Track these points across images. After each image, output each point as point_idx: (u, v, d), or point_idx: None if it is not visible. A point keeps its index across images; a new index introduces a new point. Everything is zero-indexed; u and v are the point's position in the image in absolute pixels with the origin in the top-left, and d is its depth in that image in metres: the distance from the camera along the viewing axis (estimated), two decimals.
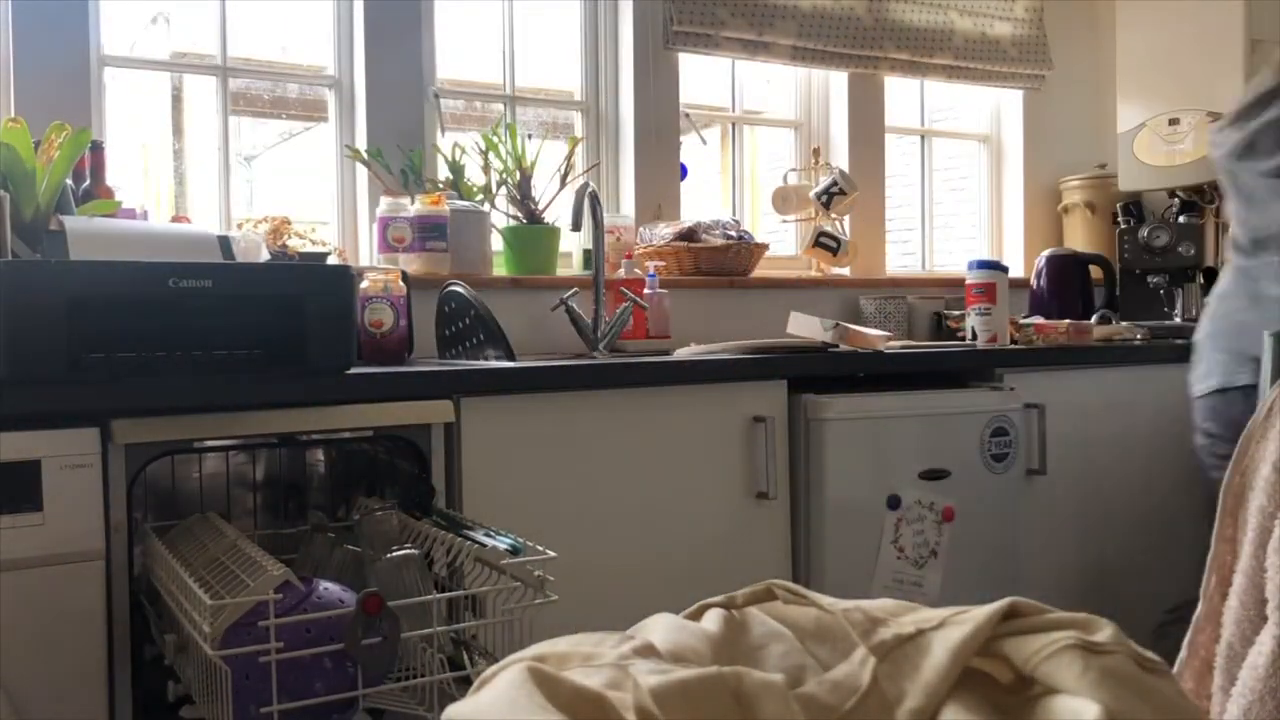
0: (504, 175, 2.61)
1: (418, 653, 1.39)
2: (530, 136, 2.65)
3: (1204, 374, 2.13)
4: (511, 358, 2.01)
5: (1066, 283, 3.11)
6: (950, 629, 0.67)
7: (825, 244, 3.03)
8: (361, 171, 2.59)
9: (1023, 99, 3.51)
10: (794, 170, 3.21)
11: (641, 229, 2.86)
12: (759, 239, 2.93)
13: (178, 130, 2.57)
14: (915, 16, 3.22)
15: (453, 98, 2.80)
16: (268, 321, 1.59)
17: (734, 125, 3.27)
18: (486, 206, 2.61)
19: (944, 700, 0.65)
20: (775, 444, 2.09)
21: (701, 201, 3.15)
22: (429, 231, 2.42)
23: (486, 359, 2.06)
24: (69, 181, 1.94)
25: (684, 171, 3.00)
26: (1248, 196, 2.06)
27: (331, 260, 2.38)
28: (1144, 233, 3.14)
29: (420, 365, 1.99)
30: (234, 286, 1.57)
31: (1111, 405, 2.60)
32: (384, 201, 2.44)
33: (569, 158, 2.69)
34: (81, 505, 1.46)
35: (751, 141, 3.46)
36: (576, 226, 2.47)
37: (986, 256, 3.11)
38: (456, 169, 2.58)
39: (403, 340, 2.11)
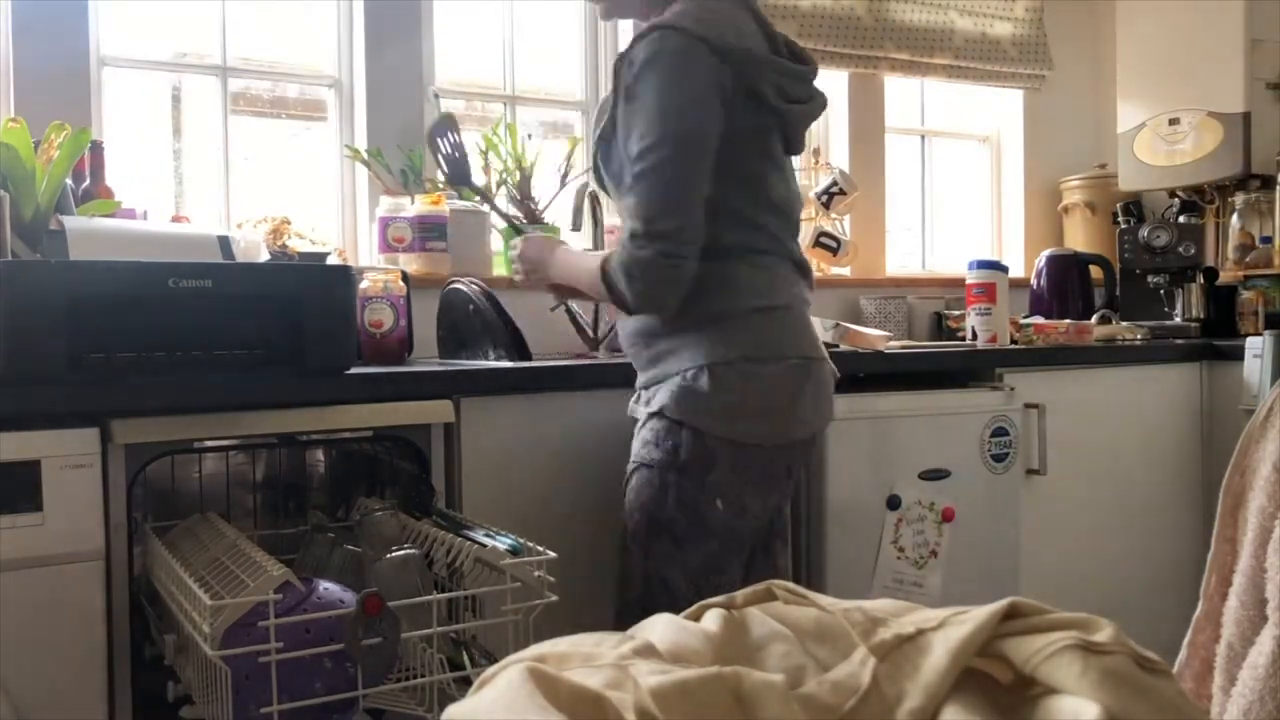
0: (504, 175, 2.61)
1: (418, 653, 1.39)
2: (530, 136, 2.65)
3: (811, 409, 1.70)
4: (520, 355, 2.01)
5: (1066, 283, 3.11)
6: (950, 629, 0.67)
7: (825, 244, 3.03)
8: (361, 171, 2.59)
9: (1023, 99, 3.51)
10: (794, 170, 3.21)
11: None
12: None
13: (178, 130, 2.57)
14: (915, 16, 3.22)
15: (453, 98, 2.80)
16: (268, 321, 1.59)
17: None
18: (486, 206, 2.61)
19: (944, 700, 0.65)
20: None
21: None
22: (429, 231, 2.42)
23: (487, 358, 2.06)
24: (69, 181, 1.94)
25: None
26: (777, 167, 1.71)
27: (331, 260, 2.38)
28: (1144, 233, 3.14)
29: (420, 365, 1.99)
30: (234, 286, 1.57)
31: (1111, 405, 2.60)
32: (384, 201, 2.44)
33: (569, 158, 2.68)
34: (81, 505, 1.46)
35: None
36: (576, 226, 2.47)
37: (986, 256, 3.11)
38: None
39: (403, 340, 2.11)
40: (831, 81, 3.25)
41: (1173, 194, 3.32)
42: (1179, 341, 2.87)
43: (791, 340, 1.60)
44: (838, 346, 2.27)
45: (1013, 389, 2.36)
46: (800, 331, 1.62)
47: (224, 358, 1.57)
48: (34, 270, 1.50)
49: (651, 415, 1.60)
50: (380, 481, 1.91)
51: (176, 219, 2.35)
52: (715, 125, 1.52)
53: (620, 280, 1.53)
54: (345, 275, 1.69)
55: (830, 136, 3.28)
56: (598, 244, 2.57)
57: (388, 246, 2.42)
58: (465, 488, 1.80)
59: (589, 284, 1.63)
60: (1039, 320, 2.77)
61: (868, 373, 2.25)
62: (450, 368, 1.92)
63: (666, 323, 1.59)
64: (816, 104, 1.69)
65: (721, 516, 1.57)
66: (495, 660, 0.95)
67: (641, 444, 1.62)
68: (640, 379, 1.67)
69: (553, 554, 1.37)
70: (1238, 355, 2.59)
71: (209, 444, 1.77)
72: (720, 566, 1.60)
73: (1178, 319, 3.12)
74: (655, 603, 1.57)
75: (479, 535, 1.47)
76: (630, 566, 1.64)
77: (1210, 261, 3.23)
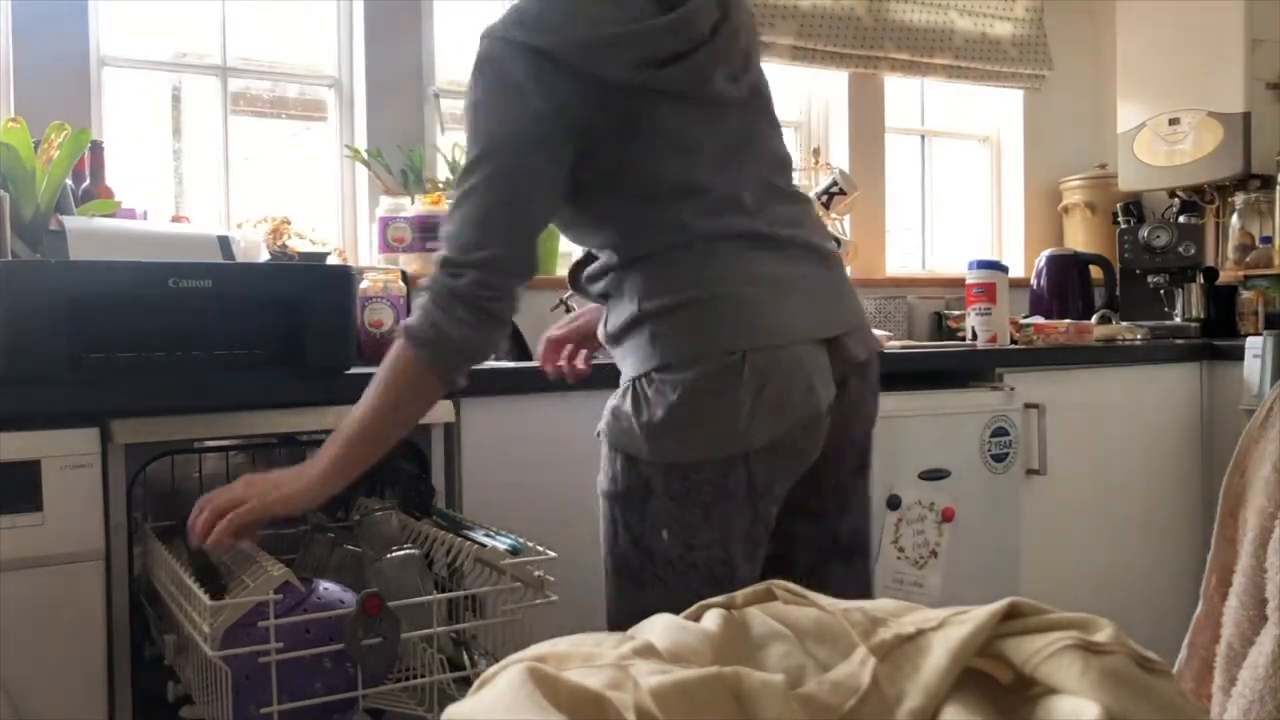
0: None
1: (418, 653, 1.39)
2: None
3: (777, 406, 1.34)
4: (520, 355, 2.01)
5: (1066, 283, 3.11)
6: (950, 629, 0.67)
7: None
8: (361, 171, 2.59)
9: (1023, 99, 3.51)
10: (794, 170, 3.21)
11: None
12: None
13: (178, 130, 2.57)
14: (915, 16, 3.22)
15: (453, 98, 2.80)
16: (268, 321, 1.59)
17: None
18: None
19: (944, 700, 0.65)
20: None
21: None
22: (429, 231, 2.42)
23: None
24: (69, 181, 1.94)
25: None
26: (704, 128, 1.37)
27: (331, 260, 2.38)
28: (1144, 233, 3.14)
29: None
30: (234, 286, 1.57)
31: (1111, 405, 2.60)
32: (384, 201, 2.44)
33: None
34: (81, 505, 1.46)
35: None
36: None
37: (986, 256, 3.11)
38: (456, 169, 2.58)
39: None
40: (832, 81, 3.26)
41: (1173, 194, 3.32)
42: (1179, 341, 2.87)
43: (721, 335, 1.32)
44: None
45: (1013, 389, 2.36)
46: (737, 321, 1.33)
47: (224, 358, 1.57)
48: (34, 270, 1.50)
49: (598, 437, 1.42)
50: (380, 481, 1.91)
51: (176, 219, 2.35)
52: (545, 136, 1.30)
53: (434, 320, 1.30)
54: (345, 275, 1.69)
55: (830, 136, 3.28)
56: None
57: (388, 246, 2.42)
58: (465, 488, 1.80)
59: (381, 395, 1.35)
60: (1039, 320, 2.77)
61: None
62: None
63: (612, 336, 1.42)
64: (723, 33, 1.35)
65: (671, 549, 1.33)
66: (495, 660, 0.95)
67: (599, 470, 1.42)
68: None
69: (553, 554, 1.37)
70: (1238, 355, 2.60)
71: (209, 444, 1.76)
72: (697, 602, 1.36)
73: (1178, 319, 3.12)
74: None
75: (479, 535, 1.47)
76: (615, 605, 1.42)
77: (1210, 261, 3.24)
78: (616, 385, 1.80)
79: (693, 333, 1.33)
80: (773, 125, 1.46)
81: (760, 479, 1.34)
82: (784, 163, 1.47)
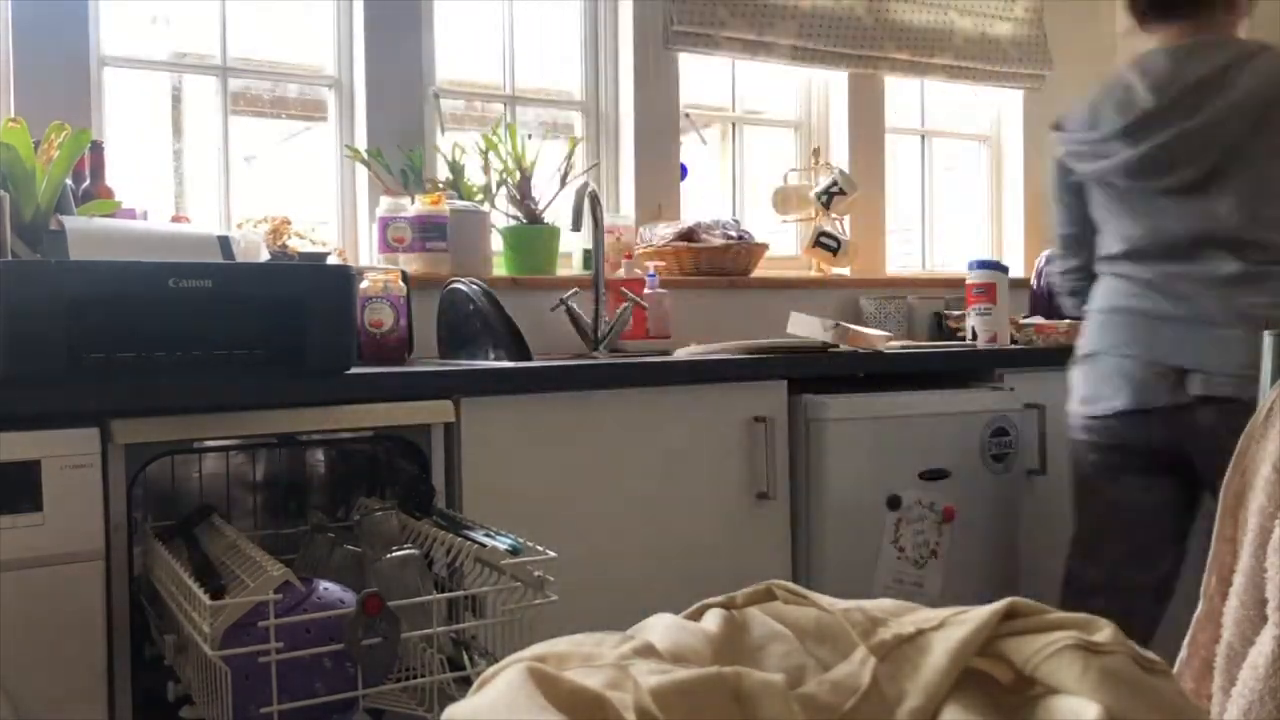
0: (504, 175, 2.61)
1: (418, 653, 1.39)
2: (530, 136, 2.65)
3: (1111, 393, 2.03)
4: (520, 355, 2.01)
5: None
6: (950, 629, 0.67)
7: (825, 244, 3.03)
8: (361, 171, 2.59)
9: (1023, 99, 3.51)
10: (794, 170, 3.21)
11: (641, 229, 2.86)
12: (759, 239, 2.93)
13: (178, 130, 2.57)
14: (915, 16, 3.22)
15: (453, 98, 2.80)
16: (268, 321, 1.59)
17: (734, 125, 3.27)
18: (486, 206, 2.61)
19: (944, 700, 0.65)
20: (775, 444, 2.09)
21: (701, 201, 3.15)
22: (429, 231, 2.42)
23: (487, 358, 2.06)
24: (69, 181, 1.94)
25: (684, 171, 3.00)
26: (1131, 209, 2.02)
27: (331, 260, 2.38)
28: None
29: (420, 365, 1.99)
30: (234, 286, 1.57)
31: None
32: (384, 201, 2.44)
33: (569, 158, 2.68)
34: (81, 505, 1.46)
35: (752, 142, 3.46)
36: (576, 226, 2.47)
37: (987, 256, 3.11)
38: (456, 169, 2.58)
39: (403, 340, 2.11)
40: (832, 81, 3.26)
41: None
42: None
43: (1085, 338, 2.10)
44: (838, 346, 2.27)
45: (1013, 389, 2.35)
46: (1090, 332, 2.09)
47: (224, 358, 1.57)
48: (34, 270, 1.50)
49: None
50: (380, 481, 1.91)
51: (176, 219, 2.35)
52: (1057, 186, 2.19)
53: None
54: (345, 275, 1.69)
55: (830, 136, 3.28)
56: (597, 244, 2.57)
57: (388, 246, 2.42)
58: (465, 488, 1.80)
59: None
60: (1039, 320, 2.77)
61: (868, 373, 2.25)
62: (450, 368, 1.92)
63: None
64: (1163, 141, 1.95)
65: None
66: (495, 660, 0.95)
67: None
68: None
69: (553, 554, 1.37)
70: None
71: (209, 444, 1.77)
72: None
73: None
74: None
75: (479, 535, 1.47)
76: None
77: None
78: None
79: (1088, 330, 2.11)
80: (1225, 198, 1.93)
81: (1080, 442, 2.12)
82: (1217, 230, 1.93)
